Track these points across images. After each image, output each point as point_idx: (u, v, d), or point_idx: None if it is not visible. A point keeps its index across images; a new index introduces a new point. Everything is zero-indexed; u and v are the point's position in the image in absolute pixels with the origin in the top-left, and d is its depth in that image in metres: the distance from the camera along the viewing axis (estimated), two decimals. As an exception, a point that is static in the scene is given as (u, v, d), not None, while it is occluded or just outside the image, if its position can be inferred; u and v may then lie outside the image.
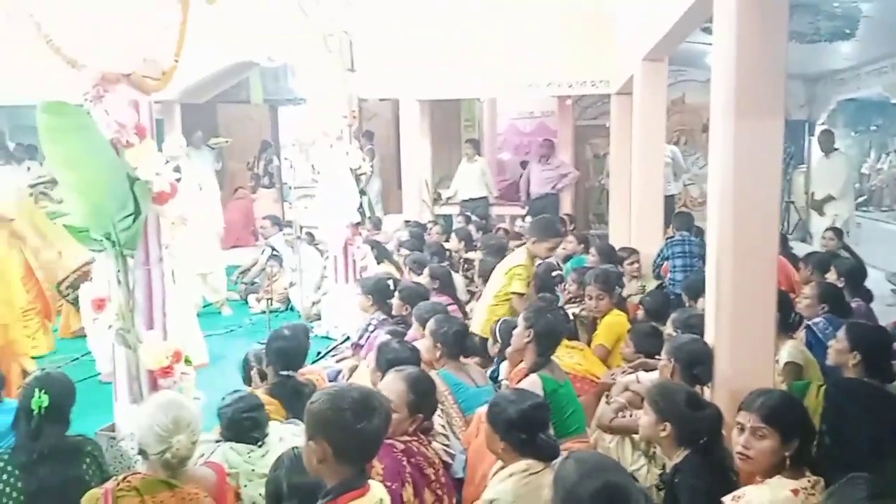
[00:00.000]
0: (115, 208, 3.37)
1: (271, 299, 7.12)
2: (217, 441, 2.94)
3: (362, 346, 5.00)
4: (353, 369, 4.76)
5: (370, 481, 1.94)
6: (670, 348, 3.26)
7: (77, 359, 5.46)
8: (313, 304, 7.26)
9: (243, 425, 2.88)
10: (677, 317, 3.89)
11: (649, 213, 6.79)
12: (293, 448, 2.30)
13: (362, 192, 7.03)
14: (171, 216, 3.62)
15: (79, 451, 2.83)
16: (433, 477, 2.87)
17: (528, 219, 8.86)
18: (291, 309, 7.55)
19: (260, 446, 2.87)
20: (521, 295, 4.55)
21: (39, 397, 2.73)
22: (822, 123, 10.74)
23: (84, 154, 3.26)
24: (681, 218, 6.82)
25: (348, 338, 6.21)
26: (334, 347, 5.96)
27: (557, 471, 1.86)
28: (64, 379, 2.92)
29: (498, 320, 4.24)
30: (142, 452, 2.46)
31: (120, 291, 3.47)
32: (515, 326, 3.84)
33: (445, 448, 3.24)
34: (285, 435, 2.92)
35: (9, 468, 2.70)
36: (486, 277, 5.16)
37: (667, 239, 6.49)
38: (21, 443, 2.75)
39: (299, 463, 2.15)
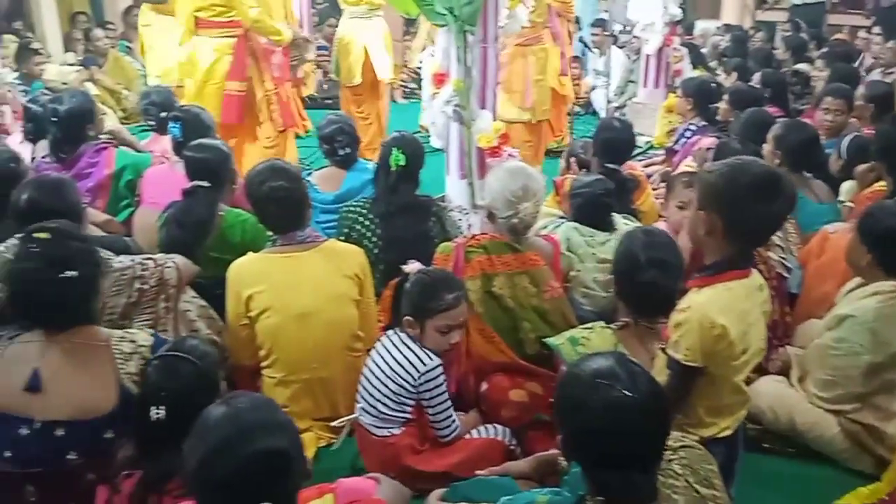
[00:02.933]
0: (461, -19, 3.38)
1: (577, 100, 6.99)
2: (561, 218, 3.01)
3: (677, 152, 4.75)
4: (663, 175, 4.58)
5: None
6: None
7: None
8: (616, 108, 7.01)
9: (595, 207, 2.89)
10: None
11: None
12: (637, 228, 2.26)
13: (685, -14, 6.39)
14: (511, -8, 3.55)
15: (427, 209, 3.08)
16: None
17: (876, 30, 7.51)
18: (593, 113, 7.38)
19: (610, 232, 2.88)
20: None
21: (397, 156, 2.96)
22: None
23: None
24: None
25: (651, 146, 5.97)
26: (640, 153, 5.76)
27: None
28: (417, 141, 3.12)
29: None
30: (490, 216, 2.59)
31: (459, 68, 3.56)
32: (866, 141, 3.36)
33: (781, 260, 3.02)
34: (628, 228, 2.90)
35: (370, 216, 3.02)
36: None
37: None
38: (380, 196, 3.04)
39: (651, 237, 2.12)
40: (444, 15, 3.50)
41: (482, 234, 2.63)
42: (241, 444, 1.27)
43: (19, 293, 1.88)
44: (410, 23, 8.30)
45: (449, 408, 2.27)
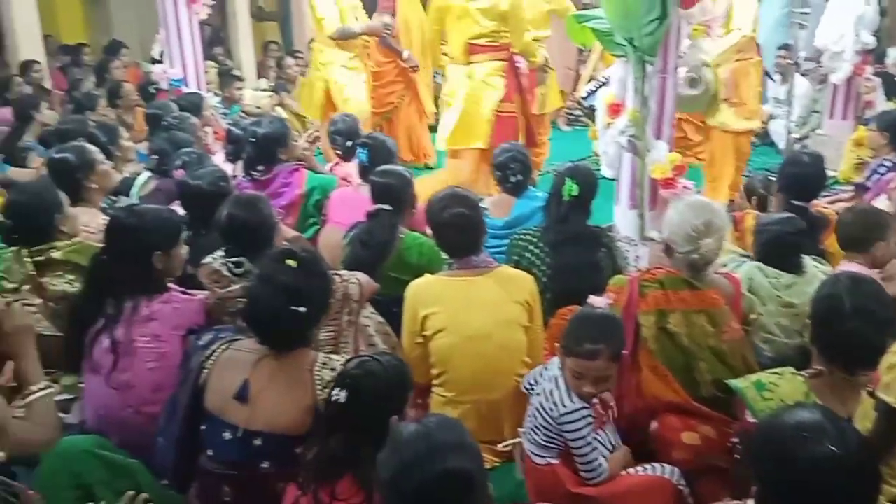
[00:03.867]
0: (643, 11, 3.35)
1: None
2: (744, 256, 2.89)
3: (868, 189, 4.41)
4: (853, 212, 4.26)
5: None
6: None
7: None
8: (797, 140, 6.60)
9: (783, 247, 2.74)
10: None
11: None
12: (843, 272, 2.12)
13: (883, 13, 5.93)
14: (695, 20, 3.47)
15: (598, 239, 3.07)
16: None
17: None
18: (770, 144, 6.99)
19: (798, 274, 2.73)
20: None
21: (570, 185, 2.98)
22: None
23: (622, -47, 3.26)
24: None
25: (836, 181, 5.57)
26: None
27: None
28: (591, 172, 3.13)
29: None
30: (668, 250, 2.52)
31: (636, 98, 3.53)
32: None
33: None
34: (818, 272, 2.72)
35: (539, 244, 3.05)
36: None
37: None
38: (550, 225, 3.07)
39: (859, 283, 1.98)
40: (623, 46, 3.49)
41: (657, 268, 2.57)
42: (430, 461, 1.33)
43: (251, 309, 2.02)
44: (583, 51, 8.29)
45: (591, 452, 2.21)
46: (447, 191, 2.69)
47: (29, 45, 6.54)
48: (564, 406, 2.20)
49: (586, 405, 2.22)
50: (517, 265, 3.00)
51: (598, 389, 2.22)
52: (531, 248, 3.05)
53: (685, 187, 3.57)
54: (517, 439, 2.36)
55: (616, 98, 3.63)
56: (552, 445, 2.26)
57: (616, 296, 2.53)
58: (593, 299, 2.35)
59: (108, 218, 3.16)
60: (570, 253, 3.00)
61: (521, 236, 3.11)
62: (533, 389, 2.37)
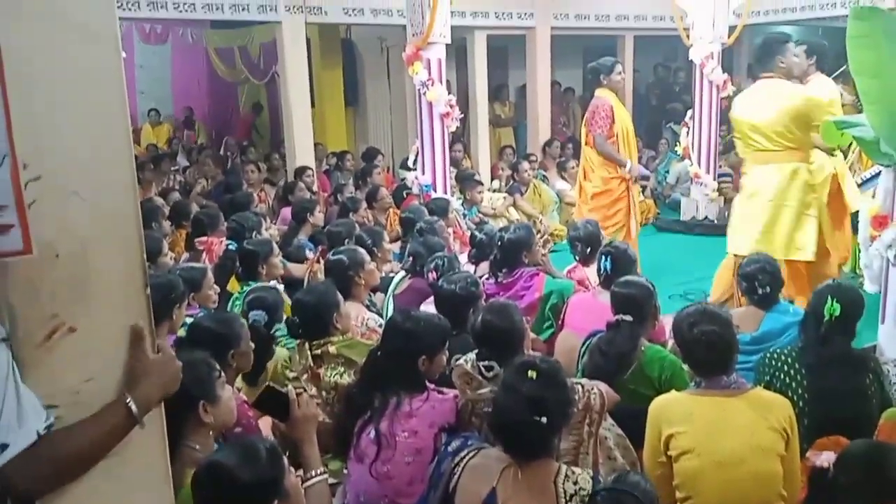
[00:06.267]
0: (912, 120, 3.15)
1: None
2: None
3: None
4: None
5: None
6: None
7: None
8: None
9: None
10: None
11: None
12: None
13: None
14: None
15: (863, 363, 2.83)
16: None
17: None
18: None
19: None
20: None
21: (832, 305, 2.79)
22: None
23: (891, 61, 3.10)
24: None
25: None
26: None
27: None
28: (855, 290, 2.92)
29: None
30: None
31: (904, 209, 3.27)
32: None
33: None
34: None
35: (796, 365, 2.86)
36: None
37: None
38: (809, 345, 2.87)
39: None
40: (891, 155, 3.28)
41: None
42: None
43: (495, 417, 2.14)
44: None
45: None
46: (697, 307, 2.65)
47: (303, 152, 7.55)
48: None
49: None
50: (768, 386, 2.84)
51: None
52: (786, 368, 2.86)
53: (970, 309, 3.20)
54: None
55: (882, 210, 3.38)
56: None
57: (891, 432, 2.31)
58: (819, 459, 2.15)
59: (370, 314, 3.53)
60: (833, 377, 2.78)
61: (775, 356, 2.93)
62: None
